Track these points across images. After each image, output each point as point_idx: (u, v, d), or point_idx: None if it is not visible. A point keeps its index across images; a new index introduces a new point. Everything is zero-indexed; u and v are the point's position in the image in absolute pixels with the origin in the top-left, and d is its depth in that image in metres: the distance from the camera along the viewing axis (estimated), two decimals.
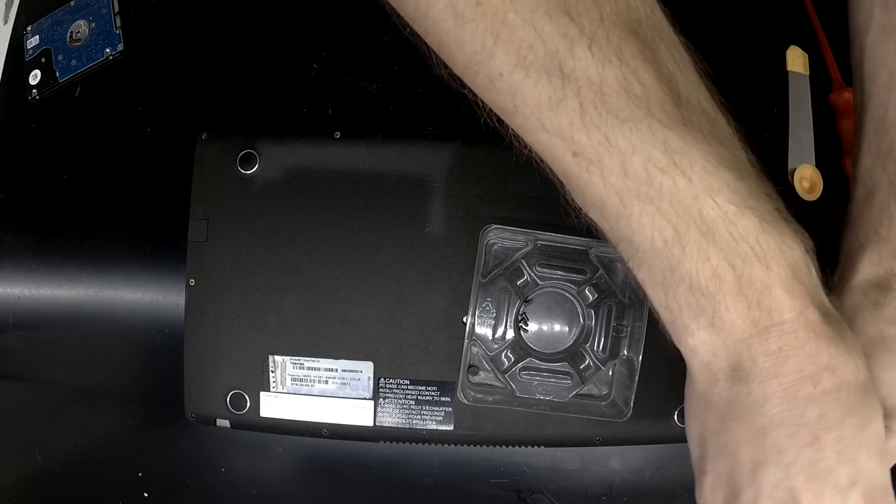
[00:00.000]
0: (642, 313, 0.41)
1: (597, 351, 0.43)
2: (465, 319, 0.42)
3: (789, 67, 0.49)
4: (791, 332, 0.27)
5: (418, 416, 0.43)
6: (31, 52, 0.50)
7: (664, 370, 0.42)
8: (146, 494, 0.47)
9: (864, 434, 0.27)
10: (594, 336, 0.43)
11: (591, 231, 0.42)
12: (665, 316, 0.29)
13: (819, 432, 0.26)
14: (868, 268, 0.35)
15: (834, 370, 0.27)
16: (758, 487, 0.28)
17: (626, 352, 0.43)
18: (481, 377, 0.43)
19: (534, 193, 0.42)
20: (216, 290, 0.42)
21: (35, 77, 0.49)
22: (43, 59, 0.49)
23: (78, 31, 0.49)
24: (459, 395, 0.42)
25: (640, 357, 0.41)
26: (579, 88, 0.25)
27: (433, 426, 0.43)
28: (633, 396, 0.41)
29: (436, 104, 0.45)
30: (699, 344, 0.28)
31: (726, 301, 0.27)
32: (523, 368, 0.43)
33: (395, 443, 0.44)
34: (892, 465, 0.30)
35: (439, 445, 0.43)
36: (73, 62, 0.48)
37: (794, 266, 0.27)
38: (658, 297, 0.28)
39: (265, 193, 0.42)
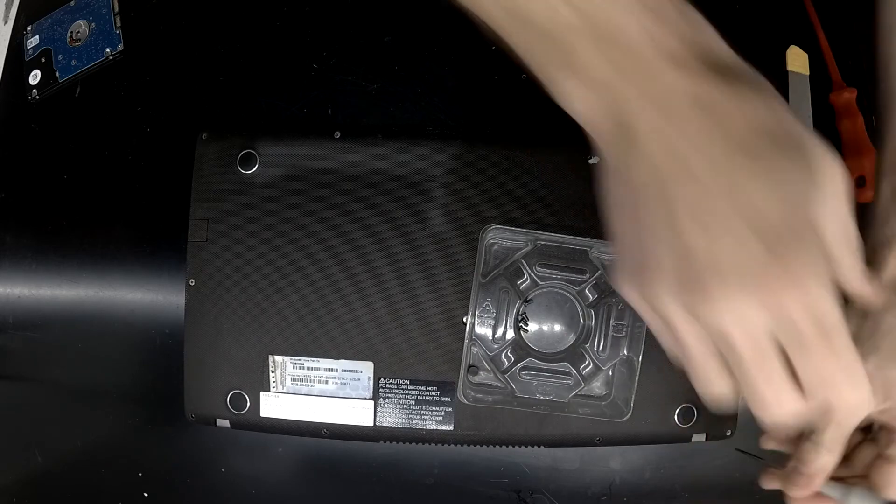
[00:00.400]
0: None
1: (597, 351, 0.43)
2: (465, 319, 0.42)
3: (789, 67, 0.49)
4: (657, 72, 0.25)
5: (418, 416, 0.43)
6: (31, 52, 0.50)
7: (664, 370, 0.42)
8: (146, 494, 0.47)
9: (753, 166, 0.25)
10: (594, 336, 0.43)
11: (591, 231, 0.42)
12: (544, 82, 0.27)
13: (700, 172, 0.25)
14: None
15: (713, 109, 0.25)
16: (655, 242, 0.26)
17: (626, 352, 0.43)
18: (481, 377, 0.43)
19: (534, 193, 0.42)
20: (216, 290, 0.42)
21: (35, 77, 0.49)
22: (43, 59, 0.49)
23: (78, 31, 0.49)
24: (459, 395, 0.42)
25: (640, 357, 0.41)
26: None
27: (433, 426, 0.43)
28: (633, 396, 0.41)
29: (436, 104, 0.45)
30: (573, 99, 0.26)
31: (578, 42, 0.25)
32: (523, 368, 0.43)
33: (395, 443, 0.44)
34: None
35: (439, 445, 0.43)
36: (73, 62, 0.48)
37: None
38: (531, 61, 0.27)
39: (265, 193, 0.42)
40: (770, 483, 0.36)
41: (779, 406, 0.27)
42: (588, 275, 0.43)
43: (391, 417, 0.43)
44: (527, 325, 0.43)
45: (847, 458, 0.35)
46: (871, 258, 0.33)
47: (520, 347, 0.43)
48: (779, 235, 0.24)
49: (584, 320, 0.43)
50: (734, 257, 0.24)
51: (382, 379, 0.42)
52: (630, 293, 0.28)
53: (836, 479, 0.35)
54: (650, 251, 0.26)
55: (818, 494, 0.35)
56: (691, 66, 0.25)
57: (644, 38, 0.25)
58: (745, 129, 0.25)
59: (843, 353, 0.26)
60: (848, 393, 0.27)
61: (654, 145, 0.25)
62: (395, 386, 0.42)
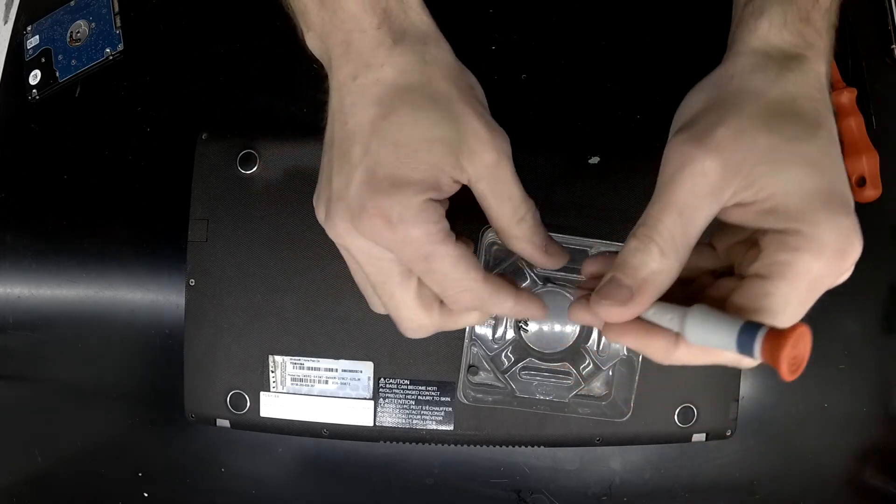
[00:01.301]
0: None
1: (597, 351, 0.43)
2: None
3: None
4: (346, 30, 0.29)
5: (418, 416, 0.43)
6: (31, 52, 0.50)
7: (664, 370, 0.42)
8: (146, 494, 0.47)
9: (383, 123, 0.28)
10: (594, 336, 0.43)
11: (591, 231, 0.42)
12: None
13: (346, 117, 0.29)
14: (772, 32, 0.29)
15: (370, 67, 0.29)
16: (322, 177, 0.31)
17: (626, 352, 0.43)
18: (481, 377, 0.43)
19: (534, 193, 0.42)
20: (216, 290, 0.42)
21: (35, 77, 0.49)
22: (43, 59, 0.49)
23: (78, 31, 0.49)
24: (459, 395, 0.42)
25: (640, 357, 0.41)
26: None
27: (433, 426, 0.43)
28: (633, 396, 0.41)
29: None
30: (311, 47, 0.32)
31: (311, 4, 0.30)
32: (523, 368, 0.43)
33: (395, 443, 0.44)
34: None
35: (439, 445, 0.43)
36: (73, 62, 0.48)
37: None
38: (294, 15, 0.33)
39: (265, 193, 0.42)
40: (577, 314, 0.29)
41: (403, 322, 0.31)
42: None
43: (391, 417, 0.43)
44: (527, 325, 0.43)
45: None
46: (741, 25, 0.32)
47: (520, 347, 0.43)
48: (386, 179, 0.28)
49: None
50: (346, 194, 0.29)
51: (382, 379, 0.42)
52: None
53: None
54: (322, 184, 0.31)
55: (640, 323, 0.28)
56: (382, 32, 0.29)
57: (359, 8, 0.29)
58: (398, 86, 0.29)
59: (447, 275, 0.29)
60: (468, 316, 0.31)
61: (334, 95, 0.30)
62: (395, 386, 0.42)
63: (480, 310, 0.31)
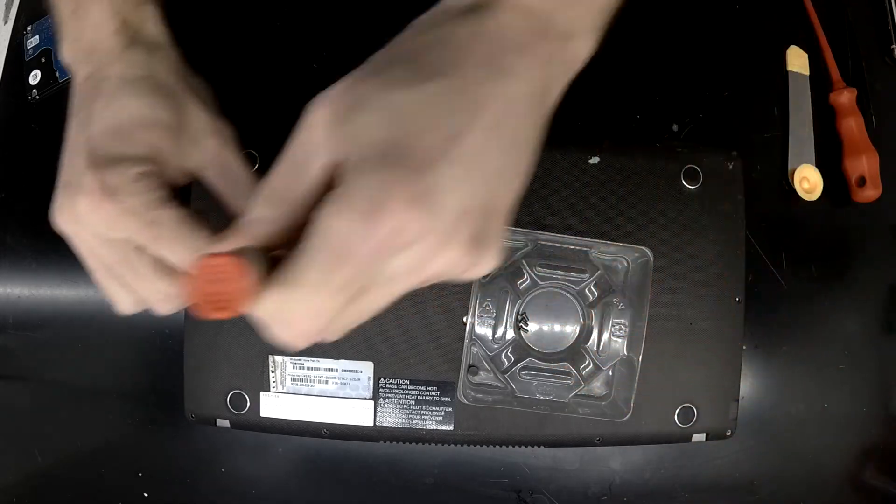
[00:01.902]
0: (642, 313, 0.41)
1: (597, 351, 0.43)
2: (465, 319, 0.42)
3: (789, 67, 0.49)
4: (89, 39, 0.33)
5: (418, 416, 0.43)
6: (31, 52, 0.50)
7: (664, 370, 0.42)
8: (146, 494, 0.47)
9: (105, 111, 0.31)
10: (594, 336, 0.43)
11: (591, 231, 0.42)
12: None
13: (77, 112, 0.34)
14: None
15: (103, 67, 0.33)
16: None
17: (626, 352, 0.43)
18: (481, 377, 0.43)
19: (534, 193, 0.42)
20: None
21: (35, 77, 0.49)
22: (43, 59, 0.49)
23: None
24: (459, 395, 0.41)
25: (640, 357, 0.41)
26: None
27: (433, 426, 0.43)
28: (633, 396, 0.41)
29: None
30: (65, 55, 0.34)
31: (64, 13, 0.33)
32: (523, 368, 0.43)
33: (395, 443, 0.43)
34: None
35: (439, 445, 0.43)
36: None
37: None
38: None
39: None
40: None
41: (152, 296, 0.32)
42: (588, 275, 0.43)
43: (391, 417, 0.43)
44: (527, 325, 0.43)
45: None
46: None
47: (520, 347, 0.43)
48: (104, 157, 0.29)
49: (583, 320, 0.43)
50: (69, 181, 0.30)
51: (382, 379, 0.42)
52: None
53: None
54: None
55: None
56: (118, 38, 0.32)
57: (101, 17, 0.32)
58: (124, 78, 0.31)
59: (175, 238, 0.29)
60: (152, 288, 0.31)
61: (73, 97, 0.33)
62: (395, 386, 0.42)
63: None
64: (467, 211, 0.22)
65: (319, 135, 0.24)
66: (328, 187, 0.24)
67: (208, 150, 0.31)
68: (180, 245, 0.29)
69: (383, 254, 0.22)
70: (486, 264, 0.24)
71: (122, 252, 0.30)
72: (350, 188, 0.22)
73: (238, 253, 0.22)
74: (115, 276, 0.31)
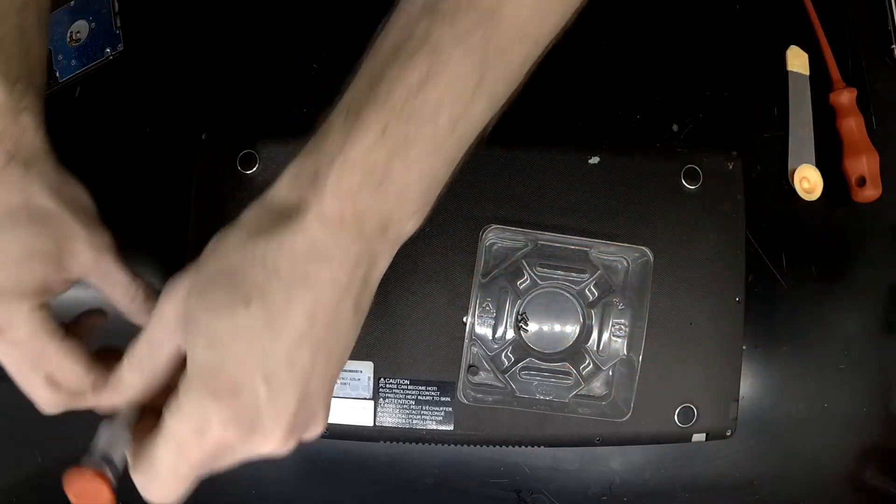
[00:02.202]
0: (642, 313, 0.41)
1: (597, 351, 0.43)
2: (465, 319, 0.42)
3: (789, 67, 0.49)
4: None
5: (418, 416, 0.43)
6: None
7: (664, 370, 0.42)
8: None
9: None
10: (594, 336, 0.43)
11: (591, 231, 0.42)
12: None
13: None
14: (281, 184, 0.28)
15: None
16: None
17: (626, 352, 0.43)
18: (481, 377, 0.43)
19: (534, 193, 0.42)
20: None
21: None
22: None
23: (78, 31, 0.49)
24: (459, 395, 0.41)
25: (640, 357, 0.41)
26: None
27: (433, 426, 0.43)
28: (633, 396, 0.41)
29: None
30: None
31: None
32: (523, 368, 0.43)
33: (395, 443, 0.43)
34: None
35: (439, 445, 0.43)
36: (73, 62, 0.48)
37: None
38: None
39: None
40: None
41: (39, 402, 0.33)
42: (588, 275, 0.43)
43: (391, 417, 0.43)
44: (527, 325, 0.43)
45: None
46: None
47: (520, 347, 0.43)
48: None
49: (584, 320, 0.43)
50: None
51: (382, 379, 0.42)
52: None
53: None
54: None
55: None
56: None
57: None
58: (3, 209, 0.32)
59: (59, 366, 0.33)
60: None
61: None
62: (395, 386, 0.42)
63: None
64: (281, 415, 0.27)
65: (169, 326, 0.29)
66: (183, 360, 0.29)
67: (88, 262, 0.33)
68: (64, 373, 0.32)
69: (214, 457, 0.27)
70: (312, 435, 0.30)
71: (19, 365, 0.33)
72: (182, 404, 0.27)
73: (99, 469, 0.28)
74: (15, 378, 0.34)
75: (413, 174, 0.27)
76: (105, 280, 0.35)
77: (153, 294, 0.35)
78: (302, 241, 0.26)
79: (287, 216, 0.26)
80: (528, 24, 0.27)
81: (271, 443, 0.27)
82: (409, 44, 0.26)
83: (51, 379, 0.33)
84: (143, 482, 0.29)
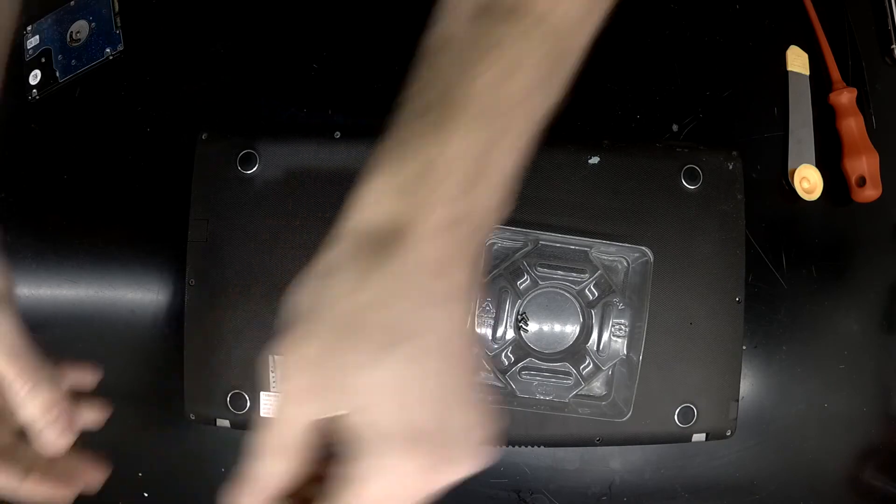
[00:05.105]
0: (642, 313, 0.41)
1: (597, 351, 0.43)
2: None
3: (789, 67, 0.49)
4: None
5: None
6: (31, 52, 0.50)
7: (664, 370, 0.42)
8: (146, 494, 0.47)
9: None
10: (594, 336, 0.43)
11: (591, 231, 0.42)
12: None
13: None
14: (372, 205, 0.26)
15: None
16: None
17: (626, 352, 0.43)
18: (481, 377, 0.43)
19: (534, 193, 0.42)
20: (216, 290, 0.42)
21: (35, 77, 0.49)
22: (43, 59, 0.49)
23: (78, 31, 0.49)
24: None
25: (640, 357, 0.41)
26: None
27: None
28: (634, 396, 0.41)
29: None
30: None
31: None
32: (523, 368, 0.43)
33: None
34: None
35: None
36: (73, 62, 0.48)
37: None
38: None
39: (265, 193, 0.42)
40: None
41: None
42: (588, 275, 0.43)
43: None
44: (527, 324, 0.43)
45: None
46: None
47: (520, 347, 0.43)
48: None
49: (584, 320, 0.43)
50: None
51: None
52: None
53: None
54: None
55: None
56: None
57: None
58: None
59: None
60: None
61: None
62: None
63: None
64: (466, 434, 0.27)
65: (300, 400, 0.26)
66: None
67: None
68: None
69: None
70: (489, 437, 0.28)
71: None
72: (363, 471, 0.25)
73: None
74: None
75: (502, 166, 0.26)
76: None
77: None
78: (416, 260, 0.24)
79: (392, 238, 0.25)
80: (579, 20, 0.28)
81: (466, 465, 0.27)
82: (476, 43, 0.26)
83: None
84: None
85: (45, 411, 0.34)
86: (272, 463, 0.27)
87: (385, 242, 0.25)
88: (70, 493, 0.35)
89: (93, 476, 0.37)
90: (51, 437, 0.34)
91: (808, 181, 0.47)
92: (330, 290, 0.25)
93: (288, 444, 0.27)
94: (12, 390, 0.33)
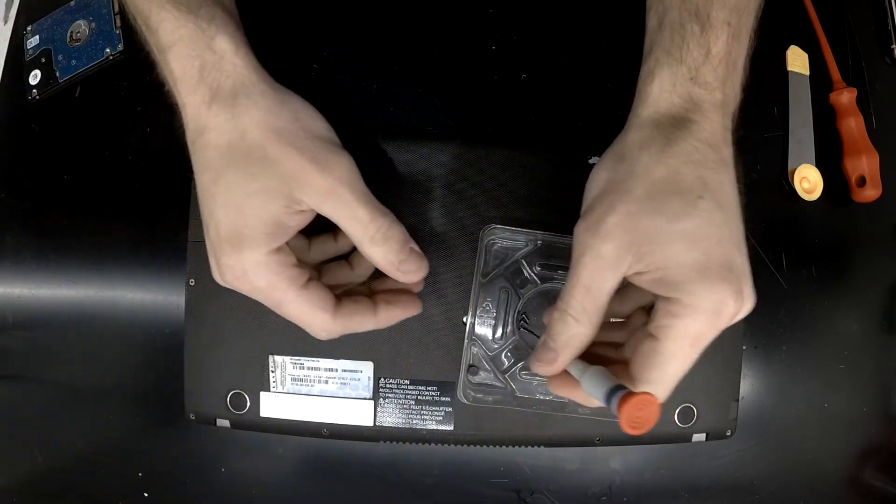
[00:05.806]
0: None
1: None
2: (465, 319, 0.42)
3: (789, 67, 0.49)
4: (179, 92, 0.33)
5: (418, 416, 0.43)
6: (31, 52, 0.50)
7: None
8: (146, 494, 0.47)
9: (213, 189, 0.32)
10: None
11: None
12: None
13: (196, 177, 0.34)
14: (662, 97, 0.32)
15: (198, 132, 0.32)
16: None
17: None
18: (481, 377, 0.43)
19: (534, 193, 0.42)
20: (216, 290, 0.42)
21: (35, 77, 0.49)
22: (43, 59, 0.49)
23: (78, 31, 0.49)
24: (459, 395, 0.42)
25: None
26: None
27: (433, 426, 0.43)
28: None
29: (436, 104, 0.45)
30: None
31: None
32: (523, 368, 0.43)
33: (395, 443, 0.44)
34: None
35: (439, 445, 0.43)
36: (73, 62, 0.48)
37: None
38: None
39: None
40: (535, 365, 0.34)
41: (309, 328, 0.35)
42: None
43: (391, 417, 0.43)
44: (527, 324, 0.43)
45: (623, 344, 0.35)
46: (637, 96, 0.35)
47: (520, 347, 0.43)
48: (227, 239, 0.32)
49: None
50: (210, 250, 0.34)
51: (382, 379, 0.42)
52: None
53: (601, 360, 0.33)
54: None
55: (568, 377, 0.33)
56: (200, 92, 0.33)
57: (178, 70, 0.34)
58: (220, 148, 0.32)
59: (299, 318, 0.34)
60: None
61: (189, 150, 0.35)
62: (395, 386, 0.42)
63: (344, 332, 0.36)
64: (747, 267, 0.32)
65: (610, 262, 0.31)
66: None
67: (318, 191, 0.32)
68: (305, 324, 0.35)
69: (716, 333, 0.31)
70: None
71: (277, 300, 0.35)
72: (693, 300, 0.30)
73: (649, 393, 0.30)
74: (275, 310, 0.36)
75: (743, 57, 0.33)
76: (339, 213, 0.33)
77: (397, 232, 0.34)
78: (707, 132, 0.31)
79: (685, 119, 0.31)
80: None
81: (752, 299, 0.31)
82: None
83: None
84: (660, 393, 0.31)
85: (403, 247, 0.35)
86: (580, 327, 0.32)
87: (679, 124, 0.31)
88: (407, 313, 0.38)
89: (415, 301, 0.38)
90: (412, 268, 0.35)
91: (808, 181, 0.47)
92: (636, 170, 0.31)
93: (598, 307, 0.31)
94: (367, 232, 0.33)
